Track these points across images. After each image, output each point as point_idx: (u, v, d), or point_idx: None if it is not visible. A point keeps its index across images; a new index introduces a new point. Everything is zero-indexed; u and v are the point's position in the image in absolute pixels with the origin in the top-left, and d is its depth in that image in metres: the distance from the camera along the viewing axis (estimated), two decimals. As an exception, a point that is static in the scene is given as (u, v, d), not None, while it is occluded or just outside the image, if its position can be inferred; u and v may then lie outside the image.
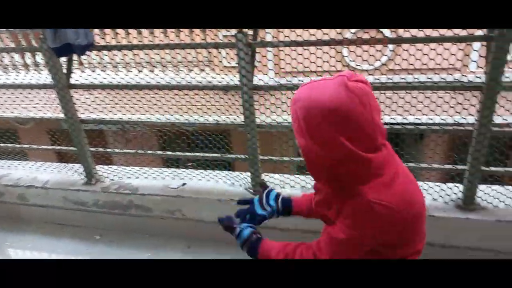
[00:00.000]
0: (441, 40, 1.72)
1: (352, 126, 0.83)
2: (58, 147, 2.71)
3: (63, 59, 2.27)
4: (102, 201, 2.54)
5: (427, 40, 1.75)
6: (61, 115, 2.43)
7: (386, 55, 3.50)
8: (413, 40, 1.86)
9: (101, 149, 2.58)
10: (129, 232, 2.57)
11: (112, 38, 4.15)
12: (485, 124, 1.74)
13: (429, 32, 1.68)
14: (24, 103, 2.71)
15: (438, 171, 2.12)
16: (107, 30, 3.62)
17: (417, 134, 2.34)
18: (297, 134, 0.89)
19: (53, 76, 2.29)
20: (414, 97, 1.98)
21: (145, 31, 3.85)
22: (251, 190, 2.26)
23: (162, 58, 2.41)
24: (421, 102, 2.01)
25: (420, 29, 1.70)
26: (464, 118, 1.88)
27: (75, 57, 2.32)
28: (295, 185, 2.28)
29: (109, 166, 2.78)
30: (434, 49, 1.87)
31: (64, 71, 2.30)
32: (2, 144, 2.81)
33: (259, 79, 2.09)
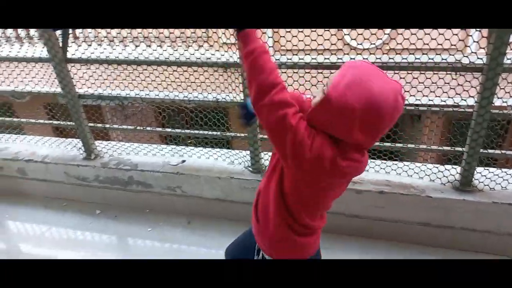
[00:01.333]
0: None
1: (371, 128, 0.93)
2: (57, 122, 2.69)
3: (58, 33, 2.23)
4: (102, 177, 2.56)
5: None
6: (59, 90, 2.40)
7: (387, 34, 3.45)
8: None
9: (99, 125, 2.57)
10: (129, 207, 2.60)
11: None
12: (485, 106, 1.75)
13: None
14: (20, 76, 2.67)
15: (436, 153, 2.13)
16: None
17: (416, 115, 2.35)
18: (332, 86, 0.91)
19: (49, 49, 2.26)
20: (415, 78, 1.97)
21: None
22: (251, 169, 2.28)
23: (160, 33, 2.36)
24: (422, 82, 2.00)
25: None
26: (464, 100, 1.88)
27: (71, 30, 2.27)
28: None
29: (108, 142, 2.78)
30: (436, 29, 1.84)
31: (60, 45, 2.26)
32: (23, 120, 2.81)
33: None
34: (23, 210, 2.71)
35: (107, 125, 2.58)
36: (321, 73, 1.96)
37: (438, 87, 2.01)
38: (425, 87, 2.03)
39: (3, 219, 2.66)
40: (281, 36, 2.11)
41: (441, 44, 1.87)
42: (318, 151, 0.94)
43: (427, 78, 1.98)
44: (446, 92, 1.98)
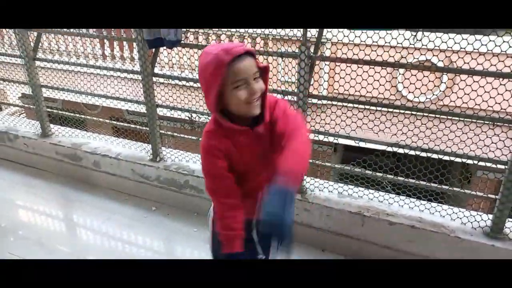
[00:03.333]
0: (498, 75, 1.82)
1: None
2: (134, 126, 3.13)
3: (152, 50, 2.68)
4: (163, 178, 2.91)
5: (485, 73, 1.87)
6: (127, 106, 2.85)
7: (441, 91, 3.53)
8: (471, 72, 1.91)
9: (169, 133, 2.97)
10: (181, 208, 2.91)
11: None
12: (521, 159, 1.86)
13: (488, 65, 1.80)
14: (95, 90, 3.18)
15: (471, 198, 2.21)
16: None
17: (466, 168, 2.45)
18: None
19: (141, 64, 2.72)
20: (465, 133, 2.07)
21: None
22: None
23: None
24: (465, 133, 2.11)
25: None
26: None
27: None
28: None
29: (172, 149, 3.16)
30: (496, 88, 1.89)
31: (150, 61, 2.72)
32: (107, 120, 3.32)
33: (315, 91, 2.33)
34: (90, 197, 3.11)
35: (175, 134, 2.96)
36: (368, 109, 2.18)
37: (480, 140, 2.10)
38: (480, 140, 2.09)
39: (73, 203, 3.08)
40: (335, 81, 2.36)
41: (499, 103, 1.92)
42: None
43: (470, 130, 2.09)
44: (487, 146, 2.05)
